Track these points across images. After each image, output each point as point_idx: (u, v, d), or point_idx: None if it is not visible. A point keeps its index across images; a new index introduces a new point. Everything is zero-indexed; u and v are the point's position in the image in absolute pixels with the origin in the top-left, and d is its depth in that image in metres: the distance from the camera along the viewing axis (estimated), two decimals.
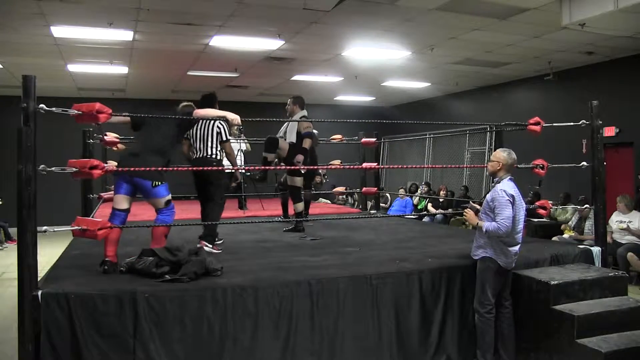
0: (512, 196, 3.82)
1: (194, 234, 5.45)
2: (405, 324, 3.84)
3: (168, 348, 3.24)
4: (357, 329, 3.69)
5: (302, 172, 5.91)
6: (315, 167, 5.37)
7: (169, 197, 4.00)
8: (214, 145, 4.92)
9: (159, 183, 3.90)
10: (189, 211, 7.84)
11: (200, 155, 4.92)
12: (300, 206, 6.11)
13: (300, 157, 5.64)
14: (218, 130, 4.91)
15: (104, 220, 3.70)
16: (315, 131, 6.03)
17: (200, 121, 4.83)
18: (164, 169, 3.93)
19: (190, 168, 4.83)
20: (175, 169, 4.30)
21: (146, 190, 3.91)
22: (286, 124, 6.14)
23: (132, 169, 3.78)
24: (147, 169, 3.78)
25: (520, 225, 3.95)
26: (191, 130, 4.93)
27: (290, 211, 6.60)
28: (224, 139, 4.93)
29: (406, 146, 15.24)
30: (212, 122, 4.87)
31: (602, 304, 3.86)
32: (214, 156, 4.91)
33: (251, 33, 7.81)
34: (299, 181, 6.04)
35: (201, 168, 4.60)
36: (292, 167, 5.66)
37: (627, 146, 9.23)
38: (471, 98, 13.11)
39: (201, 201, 5.07)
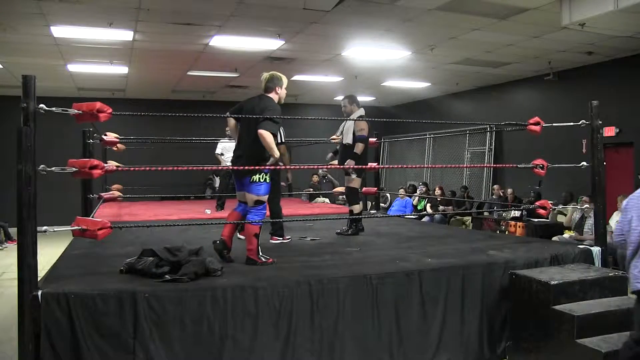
0: None
1: (194, 234, 5.46)
2: (405, 324, 3.84)
3: (168, 348, 3.23)
4: (357, 329, 3.69)
5: (361, 174, 5.69)
6: (316, 166, 5.38)
7: (262, 198, 4.14)
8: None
9: (256, 179, 4.08)
10: (189, 211, 7.86)
11: None
12: (358, 207, 5.76)
13: (351, 163, 5.41)
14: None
15: (104, 220, 3.70)
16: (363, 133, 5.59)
17: None
18: (250, 167, 4.06)
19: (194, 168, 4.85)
20: (176, 168, 4.29)
21: (245, 185, 4.16)
22: (344, 122, 5.81)
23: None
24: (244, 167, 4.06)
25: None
26: None
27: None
28: (280, 141, 5.16)
29: (406, 146, 15.23)
30: None
31: (602, 304, 3.86)
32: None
33: (251, 33, 7.81)
34: (356, 182, 5.73)
35: (200, 168, 4.61)
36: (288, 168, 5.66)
37: (627, 146, 9.23)
38: (471, 98, 13.10)
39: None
